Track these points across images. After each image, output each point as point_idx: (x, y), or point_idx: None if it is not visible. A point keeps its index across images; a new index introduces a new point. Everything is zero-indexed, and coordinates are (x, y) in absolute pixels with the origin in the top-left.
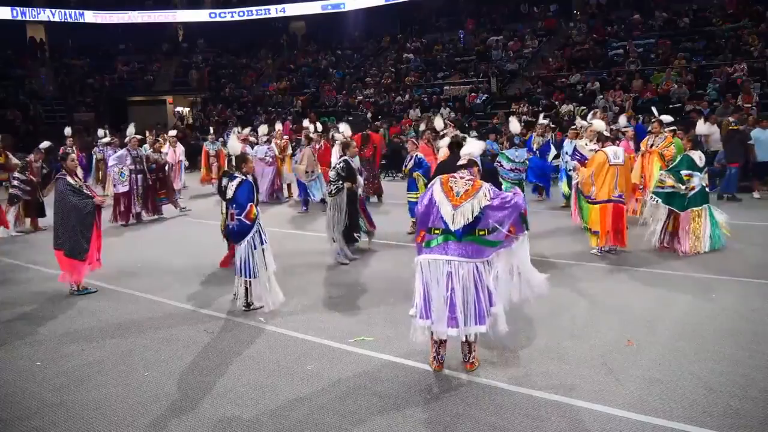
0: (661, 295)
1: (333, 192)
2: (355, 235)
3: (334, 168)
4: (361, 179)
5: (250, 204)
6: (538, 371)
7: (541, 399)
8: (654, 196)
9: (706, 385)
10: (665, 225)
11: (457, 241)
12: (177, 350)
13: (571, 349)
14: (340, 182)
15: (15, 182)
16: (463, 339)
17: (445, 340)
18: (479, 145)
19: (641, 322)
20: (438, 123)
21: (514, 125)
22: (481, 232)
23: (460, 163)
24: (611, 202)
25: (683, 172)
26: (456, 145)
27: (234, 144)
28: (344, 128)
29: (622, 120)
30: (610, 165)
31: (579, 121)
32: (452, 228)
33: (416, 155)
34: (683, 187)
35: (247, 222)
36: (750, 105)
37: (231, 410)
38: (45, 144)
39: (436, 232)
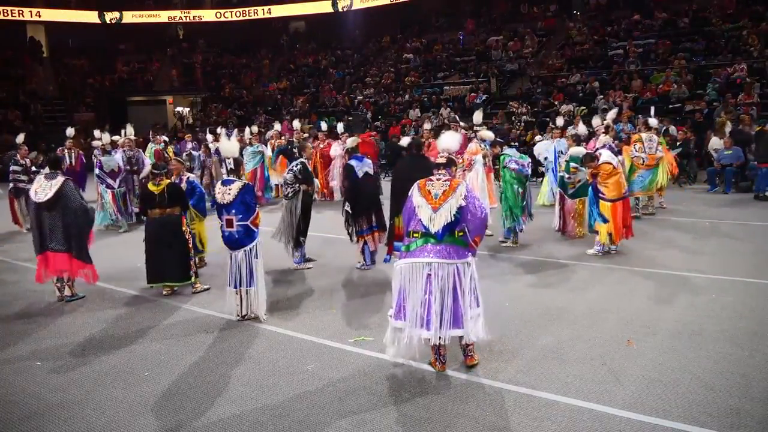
0: (661, 295)
1: (289, 195)
2: (301, 239)
3: (290, 170)
4: (317, 181)
5: (257, 209)
6: (538, 371)
7: (541, 399)
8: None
9: (706, 385)
10: (560, 209)
11: (437, 243)
12: (177, 350)
13: (571, 349)
14: (297, 185)
15: (14, 176)
16: (436, 342)
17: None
18: (456, 140)
19: (641, 322)
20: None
21: (487, 133)
22: (460, 233)
23: (438, 161)
24: (622, 199)
25: (572, 165)
26: (416, 147)
27: (231, 146)
28: (297, 125)
29: (595, 121)
30: (615, 169)
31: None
32: (432, 230)
33: (189, 179)
34: (567, 175)
35: (254, 228)
36: (750, 103)
37: (231, 410)
38: (20, 138)
39: (416, 235)
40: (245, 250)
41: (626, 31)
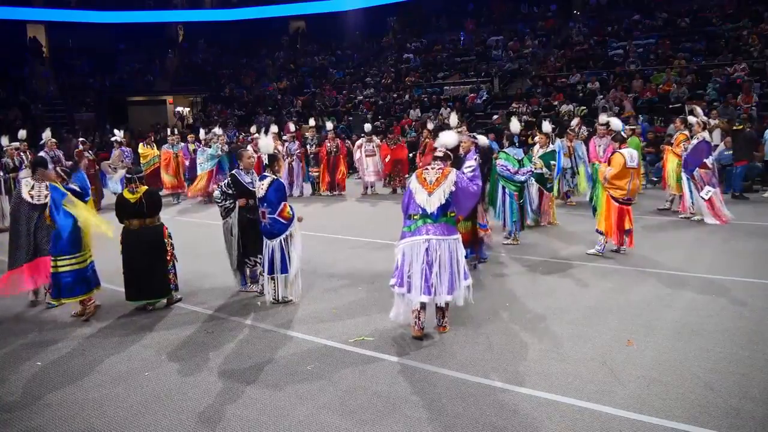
0: (661, 295)
1: (222, 214)
2: (250, 260)
3: (219, 186)
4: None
5: (283, 203)
6: (538, 371)
7: (541, 399)
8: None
9: (706, 385)
10: (538, 202)
11: (433, 222)
12: (177, 350)
13: (571, 349)
14: (228, 201)
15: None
16: (435, 306)
17: (424, 309)
18: (453, 137)
19: (641, 322)
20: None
21: (515, 125)
22: (452, 213)
23: (436, 154)
24: (619, 203)
25: (551, 162)
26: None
27: (267, 142)
28: (292, 128)
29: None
30: (627, 167)
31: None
32: (429, 211)
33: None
34: (548, 172)
35: (282, 220)
36: (750, 105)
37: (231, 410)
38: (22, 134)
39: (415, 217)
40: (279, 240)
41: (626, 31)
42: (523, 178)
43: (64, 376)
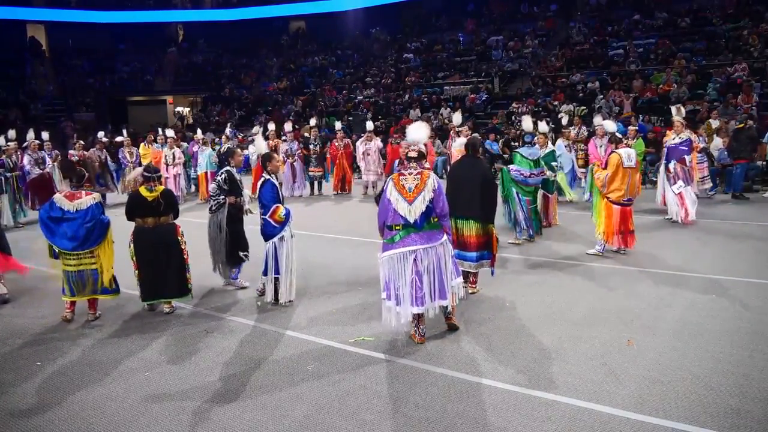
0: (661, 295)
1: (213, 208)
2: (241, 254)
3: (215, 180)
4: (247, 191)
5: (276, 205)
6: (538, 371)
7: (541, 399)
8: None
9: (706, 385)
10: (543, 206)
11: (417, 231)
12: (177, 350)
13: (571, 349)
14: (221, 197)
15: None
16: (429, 314)
17: (422, 317)
18: (425, 132)
19: (641, 322)
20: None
21: (527, 123)
22: (435, 219)
23: (410, 155)
24: (620, 205)
25: (553, 163)
26: (471, 147)
27: (260, 143)
28: (288, 128)
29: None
30: (623, 168)
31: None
32: (411, 220)
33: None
34: (553, 174)
35: (273, 223)
36: (750, 105)
37: (231, 410)
38: (11, 134)
39: (398, 228)
40: (273, 242)
41: (626, 31)
42: (534, 181)
43: (64, 376)
